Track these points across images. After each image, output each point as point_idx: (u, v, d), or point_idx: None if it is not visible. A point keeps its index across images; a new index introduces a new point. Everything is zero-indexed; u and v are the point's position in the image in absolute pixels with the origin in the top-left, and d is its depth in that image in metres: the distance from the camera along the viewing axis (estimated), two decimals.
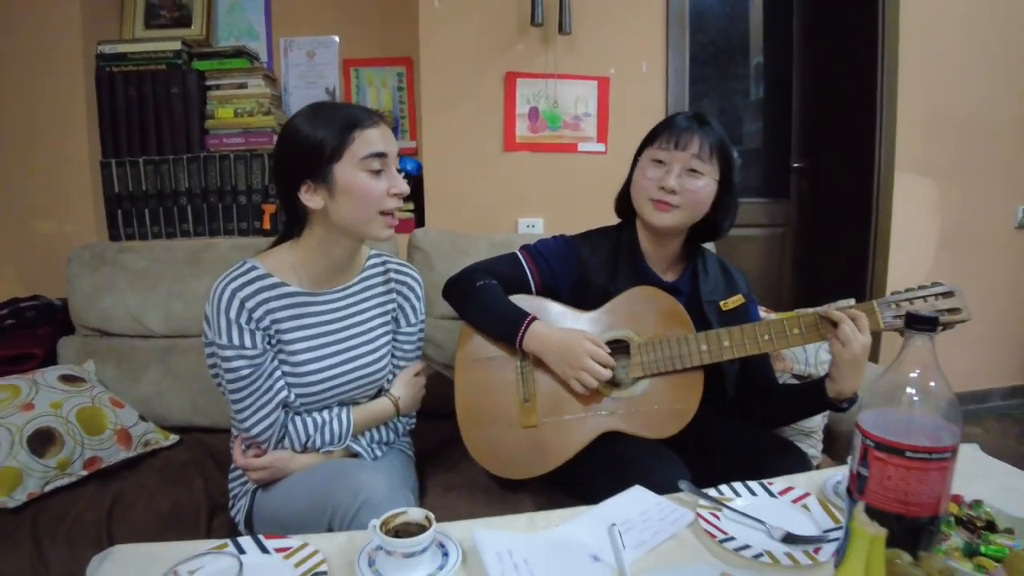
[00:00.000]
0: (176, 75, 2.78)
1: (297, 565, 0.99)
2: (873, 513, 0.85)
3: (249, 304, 1.37)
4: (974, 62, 3.37)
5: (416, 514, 1.02)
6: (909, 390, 0.84)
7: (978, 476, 1.26)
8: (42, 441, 1.71)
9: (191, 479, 1.80)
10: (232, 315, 1.36)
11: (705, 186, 1.56)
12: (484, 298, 1.60)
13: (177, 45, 2.79)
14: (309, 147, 1.34)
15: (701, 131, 1.54)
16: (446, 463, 1.79)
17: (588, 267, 1.64)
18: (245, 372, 1.37)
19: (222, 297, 1.36)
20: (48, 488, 1.68)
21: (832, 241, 3.64)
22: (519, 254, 1.68)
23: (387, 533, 0.97)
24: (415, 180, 2.83)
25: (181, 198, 2.82)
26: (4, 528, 1.56)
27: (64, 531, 1.56)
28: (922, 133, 3.33)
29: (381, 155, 1.37)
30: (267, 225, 2.82)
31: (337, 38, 3.07)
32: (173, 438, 2.04)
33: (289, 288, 1.43)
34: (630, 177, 1.67)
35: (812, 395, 1.52)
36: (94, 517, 1.61)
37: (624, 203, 1.70)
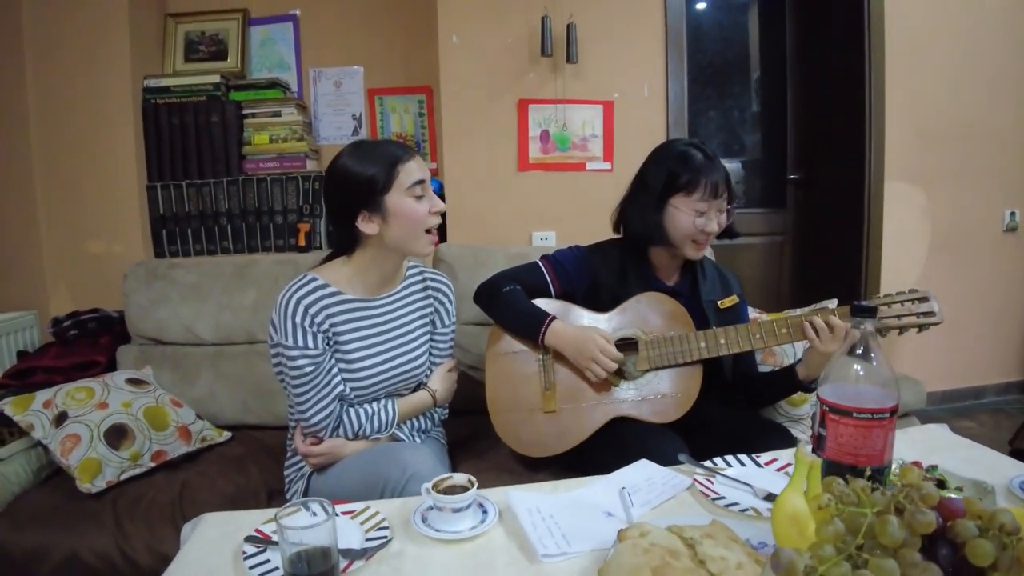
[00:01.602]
0: (215, 105, 3.00)
1: (363, 523, 1.20)
2: (831, 465, 1.06)
3: (312, 310, 1.59)
4: (959, 72, 3.48)
5: (460, 478, 1.23)
6: (856, 366, 1.05)
7: (944, 449, 1.44)
8: (117, 436, 1.94)
9: (247, 469, 2.02)
10: (298, 319, 1.58)
11: (726, 216, 1.80)
12: (510, 301, 1.84)
13: (216, 78, 3.01)
14: (362, 182, 1.57)
15: (721, 173, 1.77)
16: (475, 451, 2.00)
17: (599, 274, 1.87)
18: (308, 369, 1.59)
19: (288, 304, 1.58)
20: (123, 477, 1.91)
21: (827, 248, 3.77)
22: (539, 263, 1.92)
23: (437, 493, 1.19)
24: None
25: (221, 218, 3.03)
26: (89, 510, 1.80)
27: (141, 512, 1.78)
28: (911, 142, 3.44)
29: (421, 182, 1.61)
30: (302, 242, 3.02)
31: (362, 68, 3.27)
32: (226, 435, 2.26)
33: (345, 296, 1.66)
34: (632, 196, 1.88)
35: (785, 379, 1.78)
36: (166, 500, 1.83)
37: (626, 222, 1.90)
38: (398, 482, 1.43)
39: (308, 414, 1.62)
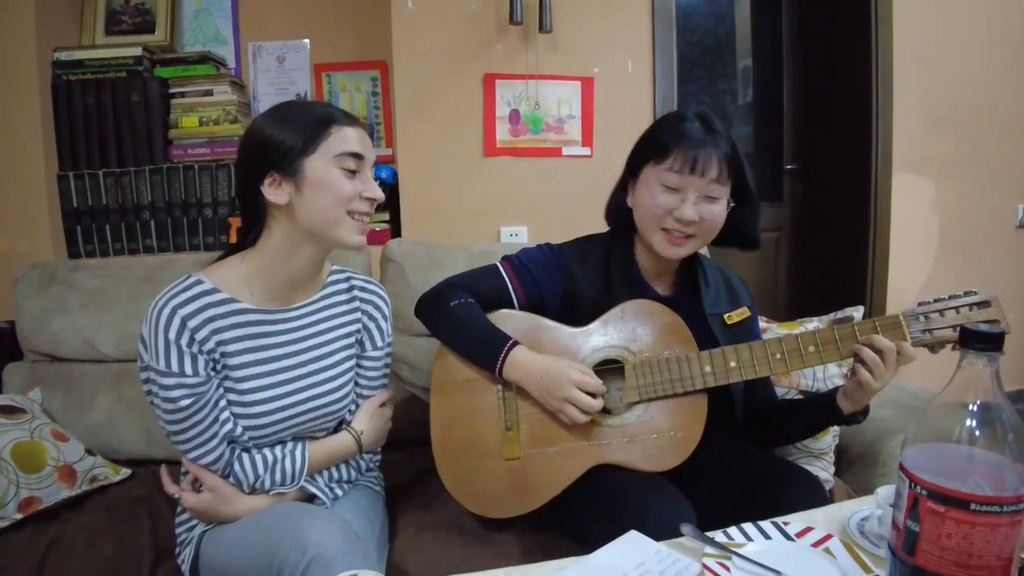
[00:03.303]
0: (137, 82, 2.68)
1: None
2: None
3: (192, 323, 1.22)
4: (973, 55, 3.29)
5: None
6: (969, 423, 0.69)
7: None
8: None
9: (139, 519, 1.63)
10: (172, 336, 1.20)
11: (722, 210, 1.41)
12: (460, 318, 1.44)
13: (138, 51, 2.69)
14: (278, 139, 1.24)
15: (715, 145, 1.38)
16: (421, 498, 1.63)
17: (576, 279, 1.49)
18: (185, 403, 1.21)
19: (161, 316, 1.21)
20: None
21: (829, 244, 3.59)
22: (500, 266, 1.53)
23: None
24: (391, 189, 2.71)
25: (144, 212, 2.71)
26: None
27: None
28: (920, 130, 3.24)
29: (358, 156, 1.28)
30: (233, 238, 2.69)
31: (308, 42, 2.98)
32: (124, 472, 1.87)
33: (240, 305, 1.29)
34: (622, 184, 1.52)
35: (819, 410, 1.40)
36: (26, 565, 1.44)
37: (617, 214, 1.54)
38: (295, 567, 1.05)
39: (189, 456, 1.26)
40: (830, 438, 1.70)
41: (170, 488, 1.32)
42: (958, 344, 0.71)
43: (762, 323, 1.78)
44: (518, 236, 2.77)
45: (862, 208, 3.31)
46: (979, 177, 3.40)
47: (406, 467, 1.73)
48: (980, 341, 0.68)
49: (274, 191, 1.25)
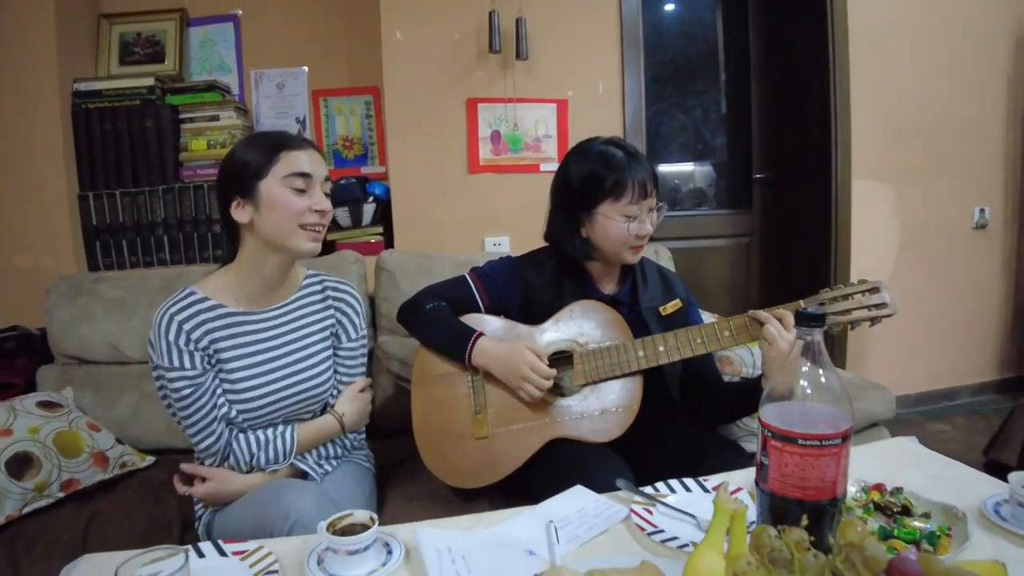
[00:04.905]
0: (150, 110, 2.86)
1: (251, 566, 1.06)
2: (775, 499, 0.93)
3: (187, 326, 1.45)
4: (924, 69, 3.47)
5: (361, 515, 1.09)
6: (802, 383, 0.92)
7: (911, 466, 1.34)
8: (20, 465, 1.78)
9: (165, 498, 1.85)
10: (171, 338, 1.44)
11: (660, 213, 1.68)
12: (434, 319, 1.69)
13: (150, 81, 2.86)
14: (239, 166, 1.45)
15: (647, 170, 1.64)
16: (408, 475, 1.85)
17: (532, 285, 1.73)
18: (187, 392, 1.45)
19: (162, 322, 1.46)
20: (27, 510, 1.75)
21: (795, 248, 3.70)
22: (468, 276, 1.78)
23: (334, 533, 1.05)
24: (384, 203, 2.91)
25: (158, 228, 2.88)
26: None
27: (41, 549, 1.63)
28: (877, 140, 3.42)
29: (305, 175, 1.47)
30: None
31: (306, 69, 3.15)
32: (149, 459, 2.10)
33: (226, 309, 1.52)
34: (555, 210, 1.76)
35: (749, 391, 1.59)
36: (71, 536, 1.68)
37: (555, 241, 1.76)
38: (280, 529, 1.29)
39: (195, 439, 1.50)
40: None
41: (181, 489, 1.53)
42: (796, 325, 0.94)
43: (710, 318, 2.00)
44: (501, 246, 2.95)
45: (825, 214, 3.44)
46: (937, 182, 3.57)
47: (397, 450, 1.94)
48: (808, 320, 0.92)
49: (239, 212, 1.47)
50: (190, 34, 3.14)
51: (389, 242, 2.94)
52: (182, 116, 2.93)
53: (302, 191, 1.47)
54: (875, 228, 3.51)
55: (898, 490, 1.18)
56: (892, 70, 3.41)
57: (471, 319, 1.70)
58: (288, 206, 1.45)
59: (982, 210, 3.71)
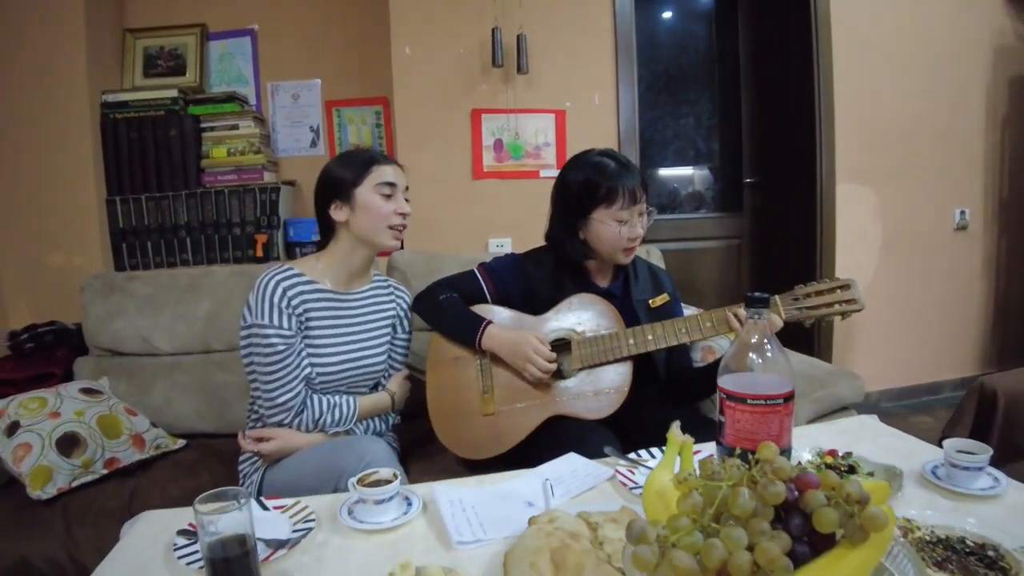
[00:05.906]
0: (174, 119, 3.05)
1: (292, 517, 1.25)
2: (731, 451, 1.11)
3: (290, 293, 1.69)
4: (906, 77, 3.60)
5: (385, 472, 1.28)
6: (752, 355, 1.10)
7: (868, 438, 1.51)
8: (68, 444, 1.96)
9: (198, 474, 2.05)
10: (275, 299, 1.67)
11: (650, 217, 1.88)
12: (447, 307, 1.89)
13: (174, 93, 3.06)
14: (338, 176, 1.76)
15: (636, 178, 1.83)
16: (425, 455, 2.02)
17: (534, 280, 1.93)
18: (280, 347, 1.67)
19: (267, 286, 1.68)
20: (75, 484, 1.93)
21: (783, 250, 3.85)
22: (476, 270, 1.98)
23: (362, 487, 1.23)
24: None
25: (180, 231, 3.08)
26: (40, 517, 1.82)
27: (91, 517, 1.81)
28: (860, 145, 3.55)
29: (391, 184, 1.77)
30: (259, 253, 3.08)
31: (319, 81, 3.34)
32: (181, 442, 2.28)
33: (319, 285, 1.77)
34: (555, 215, 1.95)
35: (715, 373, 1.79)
36: (116, 505, 1.86)
37: (555, 242, 1.95)
38: (355, 471, 1.45)
39: (275, 394, 1.69)
40: None
41: (248, 445, 1.73)
42: (746, 307, 1.12)
43: (693, 312, 2.18)
44: (503, 247, 3.11)
45: (811, 216, 3.59)
46: (918, 185, 3.70)
47: (413, 432, 2.10)
48: (755, 303, 1.10)
49: (337, 212, 1.76)
50: (210, 48, 3.33)
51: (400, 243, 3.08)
52: (203, 125, 3.13)
53: (389, 196, 1.76)
54: (859, 229, 3.63)
55: (848, 454, 1.35)
56: (875, 78, 3.53)
57: (482, 309, 1.90)
58: (379, 209, 1.75)
59: (963, 212, 3.81)
